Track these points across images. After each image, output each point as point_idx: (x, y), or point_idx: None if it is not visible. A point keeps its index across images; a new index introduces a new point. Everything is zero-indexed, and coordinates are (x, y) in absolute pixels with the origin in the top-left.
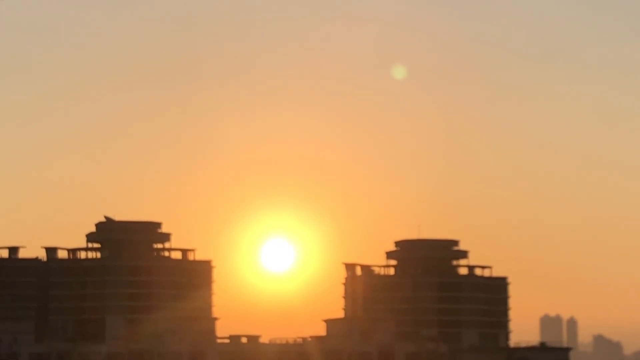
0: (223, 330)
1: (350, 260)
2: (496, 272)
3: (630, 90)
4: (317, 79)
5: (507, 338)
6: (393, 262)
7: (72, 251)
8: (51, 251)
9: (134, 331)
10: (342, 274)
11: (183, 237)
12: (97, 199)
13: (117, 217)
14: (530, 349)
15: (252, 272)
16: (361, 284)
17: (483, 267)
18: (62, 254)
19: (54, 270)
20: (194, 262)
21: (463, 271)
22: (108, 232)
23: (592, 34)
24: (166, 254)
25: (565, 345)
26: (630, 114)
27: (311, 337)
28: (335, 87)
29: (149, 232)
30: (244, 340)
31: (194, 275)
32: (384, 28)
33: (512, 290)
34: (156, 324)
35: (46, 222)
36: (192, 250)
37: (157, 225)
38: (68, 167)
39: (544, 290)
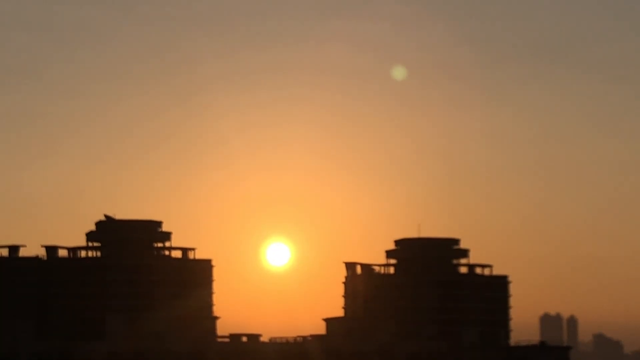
0: (223, 329)
1: (351, 259)
2: (496, 271)
3: (631, 90)
4: (320, 77)
5: (507, 337)
6: (393, 261)
7: (72, 250)
8: (51, 250)
9: (134, 330)
10: (342, 272)
11: (183, 236)
12: (97, 197)
13: (118, 215)
14: (530, 348)
15: (252, 271)
16: (361, 283)
17: (483, 266)
18: (62, 253)
19: (54, 269)
20: (194, 261)
21: (463, 270)
22: (108, 231)
23: (592, 35)
24: (166, 252)
25: (565, 344)
26: (630, 113)
27: (311, 336)
28: (336, 86)
29: (149, 231)
30: (244, 339)
31: (194, 274)
32: (385, 27)
33: (513, 289)
34: (156, 323)
35: (46, 220)
36: (193, 249)
37: (158, 224)
38: (68, 166)
39: (544, 289)
